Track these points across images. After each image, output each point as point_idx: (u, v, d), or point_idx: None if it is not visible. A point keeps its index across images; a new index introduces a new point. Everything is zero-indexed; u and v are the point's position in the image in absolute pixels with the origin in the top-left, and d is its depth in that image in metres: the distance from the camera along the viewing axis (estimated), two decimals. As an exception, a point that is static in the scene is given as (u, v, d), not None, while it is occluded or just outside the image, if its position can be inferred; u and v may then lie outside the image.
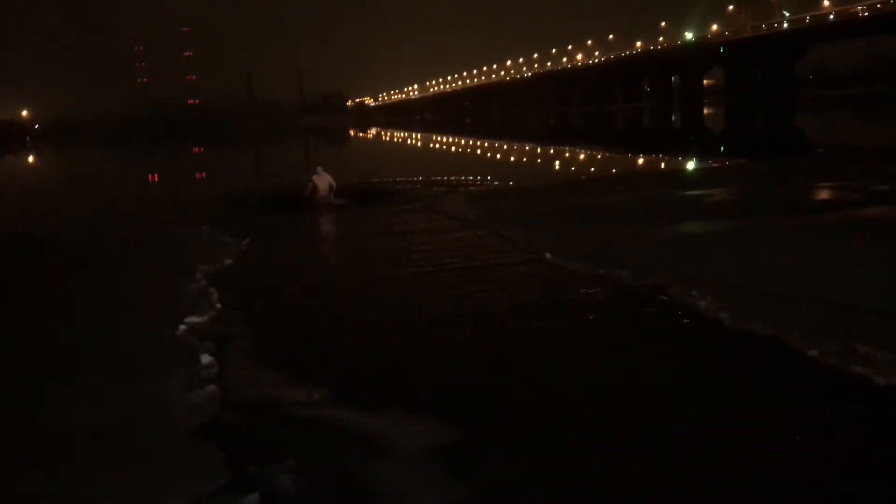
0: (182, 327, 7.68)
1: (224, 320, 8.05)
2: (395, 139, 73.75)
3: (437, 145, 55.47)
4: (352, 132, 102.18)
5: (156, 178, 37.71)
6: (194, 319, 7.97)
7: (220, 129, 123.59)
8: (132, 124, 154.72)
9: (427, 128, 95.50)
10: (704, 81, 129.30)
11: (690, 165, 26.31)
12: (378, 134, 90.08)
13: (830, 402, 5.30)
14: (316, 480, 4.53)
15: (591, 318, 7.55)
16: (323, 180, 18.20)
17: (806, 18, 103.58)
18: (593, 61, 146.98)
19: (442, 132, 75.23)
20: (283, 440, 5.09)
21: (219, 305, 8.60)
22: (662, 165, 28.07)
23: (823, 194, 15.92)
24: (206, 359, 6.67)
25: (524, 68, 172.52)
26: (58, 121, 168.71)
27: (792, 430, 4.95)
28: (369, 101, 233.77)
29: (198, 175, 38.87)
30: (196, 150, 69.80)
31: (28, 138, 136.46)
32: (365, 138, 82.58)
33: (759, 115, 68.09)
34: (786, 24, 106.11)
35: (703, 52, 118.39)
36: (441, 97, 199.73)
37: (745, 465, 4.50)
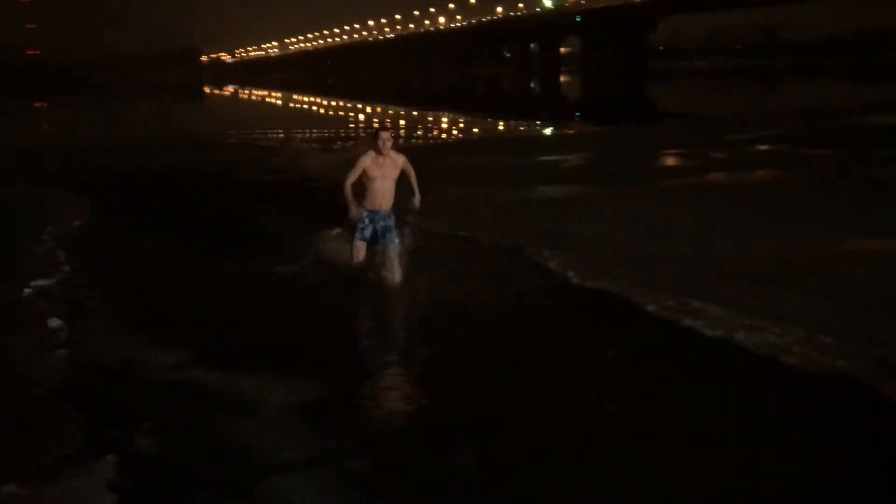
0: (28, 290, 7.34)
1: (74, 283, 7.74)
2: (254, 97, 71.72)
3: (299, 105, 54.42)
4: (207, 89, 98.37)
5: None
6: (41, 282, 7.61)
7: (65, 82, 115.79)
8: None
9: (287, 86, 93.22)
10: (563, 49, 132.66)
11: (548, 131, 27.14)
12: (235, 92, 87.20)
13: (663, 353, 5.77)
14: (177, 440, 4.52)
15: (445, 275, 7.72)
16: (388, 166, 7.19)
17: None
18: (455, 25, 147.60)
19: (303, 91, 73.76)
20: (142, 403, 5.02)
21: (67, 268, 8.25)
22: (521, 131, 28.78)
23: (670, 161, 16.89)
24: (55, 322, 6.43)
25: (387, 29, 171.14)
26: None
27: (621, 378, 5.35)
28: (226, 57, 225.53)
29: (40, 130, 36.46)
30: (38, 104, 65.24)
31: None
32: (221, 95, 79.82)
33: (612, 84, 70.72)
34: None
35: (560, 20, 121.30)
36: (302, 56, 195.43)
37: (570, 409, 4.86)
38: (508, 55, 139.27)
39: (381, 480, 4.08)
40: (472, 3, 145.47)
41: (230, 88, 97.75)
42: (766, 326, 5.92)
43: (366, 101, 51.15)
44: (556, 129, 27.48)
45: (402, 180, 7.36)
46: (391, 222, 7.16)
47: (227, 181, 15.15)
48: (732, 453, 4.29)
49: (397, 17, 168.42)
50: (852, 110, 26.48)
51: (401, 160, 7.25)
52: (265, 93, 78.55)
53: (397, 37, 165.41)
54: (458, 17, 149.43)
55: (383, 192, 7.14)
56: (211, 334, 6.32)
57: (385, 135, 7.08)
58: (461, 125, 31.44)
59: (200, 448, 4.44)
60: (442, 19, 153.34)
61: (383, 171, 7.10)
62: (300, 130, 27.11)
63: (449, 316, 6.55)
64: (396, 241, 7.14)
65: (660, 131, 25.27)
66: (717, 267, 7.59)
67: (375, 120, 36.95)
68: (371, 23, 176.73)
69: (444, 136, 26.63)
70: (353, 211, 7.12)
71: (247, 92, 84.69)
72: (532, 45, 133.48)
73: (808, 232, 8.97)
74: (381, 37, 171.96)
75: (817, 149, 16.99)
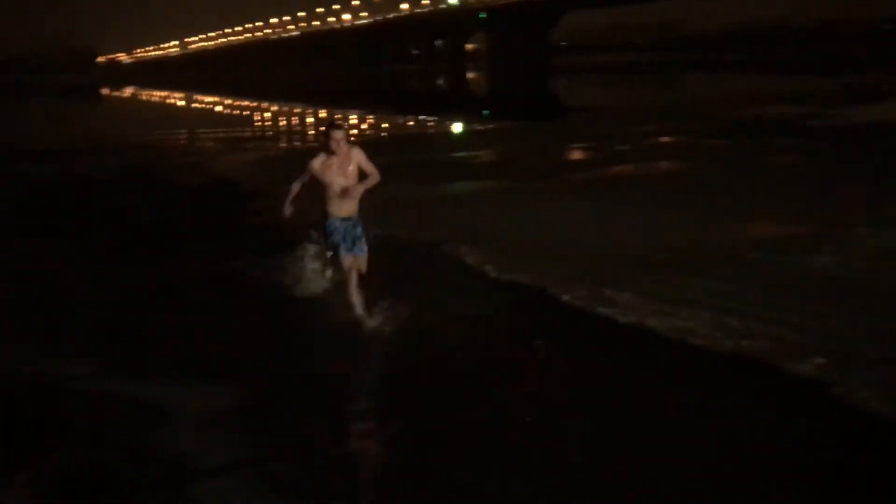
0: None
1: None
2: (155, 98, 69.63)
3: (202, 105, 53.16)
4: (105, 90, 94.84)
5: None
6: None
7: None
8: None
9: (189, 87, 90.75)
10: (469, 46, 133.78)
11: (458, 128, 27.34)
12: (135, 93, 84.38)
13: (580, 340, 5.95)
14: (94, 452, 4.42)
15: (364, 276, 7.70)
16: (343, 165, 6.25)
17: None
18: (361, 22, 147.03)
19: (206, 91, 71.93)
20: (56, 416, 4.88)
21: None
22: (431, 128, 28.89)
23: (577, 154, 17.27)
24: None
25: (291, 27, 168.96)
26: None
27: (539, 366, 5.52)
28: (123, 57, 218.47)
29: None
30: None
31: None
32: (120, 97, 77.23)
33: (518, 80, 71.61)
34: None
35: (465, 16, 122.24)
36: (204, 55, 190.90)
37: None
38: (415, 52, 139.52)
39: (304, 482, 4.09)
40: (377, 1, 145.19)
41: (129, 90, 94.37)
42: (674, 311, 6.17)
43: (271, 101, 50.27)
44: (466, 125, 27.71)
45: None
46: (359, 231, 6.35)
47: (133, 185, 14.75)
48: (648, 433, 4.48)
49: (301, 14, 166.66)
50: (748, 101, 27.59)
51: (355, 153, 6.28)
52: (166, 93, 76.28)
53: (302, 34, 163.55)
54: (364, 15, 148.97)
55: (337, 189, 6.20)
56: (123, 343, 6.15)
57: (338, 134, 6.16)
58: (370, 123, 31.34)
59: (118, 458, 4.34)
60: (347, 16, 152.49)
61: (342, 171, 6.17)
62: (206, 131, 26.55)
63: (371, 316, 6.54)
64: (365, 248, 6.40)
65: (566, 126, 25.79)
66: (626, 256, 7.84)
67: (282, 119, 36.48)
68: (274, 20, 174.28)
69: (353, 133, 26.50)
70: (287, 208, 6.48)
71: (147, 93, 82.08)
72: (438, 42, 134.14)
73: (711, 219, 9.33)
74: (284, 34, 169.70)
75: (715, 139, 17.67)
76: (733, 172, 13.11)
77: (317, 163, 6.20)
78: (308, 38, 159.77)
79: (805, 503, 3.80)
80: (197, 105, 54.18)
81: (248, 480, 4.05)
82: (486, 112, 35.84)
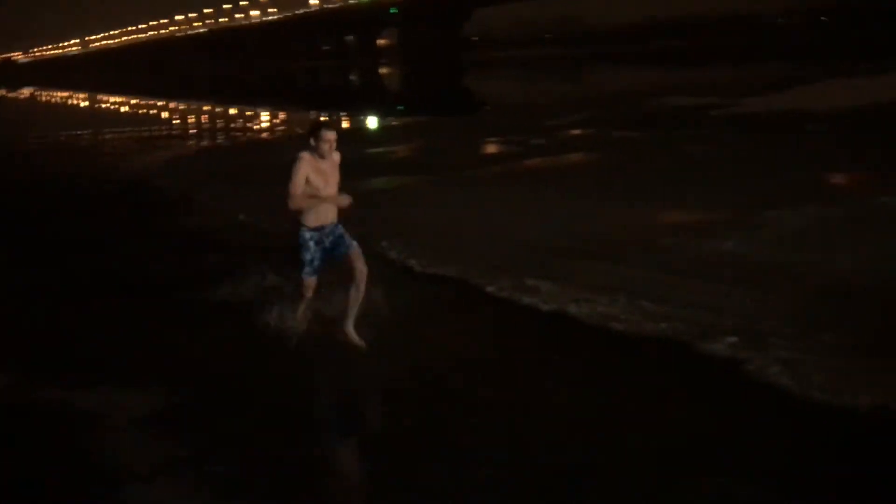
0: None
1: None
2: (56, 99, 66.99)
3: (108, 105, 51.44)
4: (0, 92, 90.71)
5: None
6: None
7: None
8: None
9: (92, 86, 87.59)
10: (382, 41, 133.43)
11: (372, 123, 27.25)
12: (33, 94, 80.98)
13: (508, 330, 6.06)
14: (28, 460, 4.31)
15: (285, 271, 7.62)
16: (331, 172, 5.78)
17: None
18: (269, 18, 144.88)
19: (110, 91, 69.58)
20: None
21: None
22: (345, 124, 28.70)
23: (491, 148, 17.50)
24: None
25: (197, 24, 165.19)
26: None
27: (470, 357, 5.58)
28: (19, 56, 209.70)
29: None
30: None
31: None
32: (17, 98, 74.06)
33: (431, 75, 71.81)
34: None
35: (376, 11, 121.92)
36: (107, 53, 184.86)
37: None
38: (326, 48, 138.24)
39: (241, 479, 4.06)
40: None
41: (26, 91, 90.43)
42: (594, 297, 6.34)
43: (178, 99, 48.98)
44: (380, 121, 27.65)
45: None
46: (340, 230, 5.79)
47: (43, 188, 14.22)
48: (575, 415, 4.60)
49: (207, 10, 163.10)
50: (652, 93, 28.39)
51: (338, 159, 5.81)
52: (68, 94, 73.47)
53: (210, 31, 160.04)
54: (272, 11, 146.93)
55: (329, 204, 5.74)
56: (43, 350, 5.97)
57: (331, 135, 5.62)
58: (281, 120, 30.92)
59: (54, 467, 4.24)
60: (255, 13, 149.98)
61: (326, 179, 5.64)
62: (112, 131, 25.74)
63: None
64: (354, 243, 5.78)
65: (481, 120, 26.04)
66: (545, 246, 8.02)
67: (191, 117, 35.62)
68: (180, 17, 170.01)
69: (264, 134, 26.09)
70: (336, 200, 5.69)
71: (47, 94, 78.84)
72: (349, 38, 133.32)
73: (625, 208, 9.63)
74: (191, 31, 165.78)
75: (625, 131, 18.16)
76: (644, 162, 13.52)
77: (307, 166, 5.54)
78: (216, 35, 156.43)
79: (722, 471, 3.95)
80: (102, 105, 52.38)
81: (184, 481, 4.01)
82: (400, 107, 35.81)
